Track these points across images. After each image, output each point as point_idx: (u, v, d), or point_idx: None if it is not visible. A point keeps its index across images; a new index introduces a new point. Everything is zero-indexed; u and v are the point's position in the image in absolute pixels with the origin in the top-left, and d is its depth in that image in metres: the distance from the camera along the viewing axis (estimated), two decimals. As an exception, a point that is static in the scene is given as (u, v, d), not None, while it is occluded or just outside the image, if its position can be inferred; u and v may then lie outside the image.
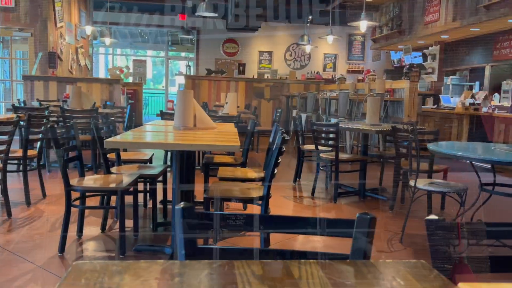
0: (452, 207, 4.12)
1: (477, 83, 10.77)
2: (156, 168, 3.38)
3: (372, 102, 4.79)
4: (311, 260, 0.82)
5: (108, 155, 3.38)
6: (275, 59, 13.69)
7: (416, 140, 3.52)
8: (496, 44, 9.76)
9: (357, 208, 4.17)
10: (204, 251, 0.96)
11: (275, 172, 2.73)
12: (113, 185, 2.77)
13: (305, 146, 5.21)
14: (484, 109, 7.48)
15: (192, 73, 12.94)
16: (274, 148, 2.81)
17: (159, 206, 3.74)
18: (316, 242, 3.17)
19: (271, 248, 1.08)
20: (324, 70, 13.93)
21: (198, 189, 4.36)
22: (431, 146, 3.04)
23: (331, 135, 4.43)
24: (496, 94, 9.69)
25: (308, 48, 12.21)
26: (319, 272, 0.77)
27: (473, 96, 7.96)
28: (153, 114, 15.33)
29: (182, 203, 0.95)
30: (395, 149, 4.01)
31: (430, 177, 3.90)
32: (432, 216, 0.96)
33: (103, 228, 3.23)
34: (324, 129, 4.60)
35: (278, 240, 3.13)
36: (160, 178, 3.51)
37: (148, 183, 3.66)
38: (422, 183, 3.27)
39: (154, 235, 3.20)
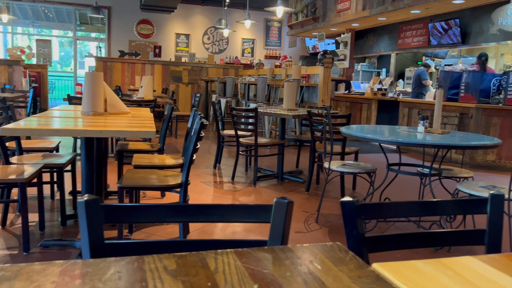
0: (363, 187, 4.38)
1: (384, 69, 11.50)
2: (63, 156, 3.13)
3: (288, 87, 4.88)
4: (228, 250, 0.78)
5: (7, 144, 3.06)
6: (192, 42, 13.41)
7: (330, 124, 3.65)
8: (401, 34, 10.48)
9: (276, 191, 4.25)
10: (113, 247, 0.88)
11: (194, 158, 2.66)
12: (12, 176, 2.51)
13: (224, 131, 5.18)
14: (390, 94, 8.02)
15: (103, 55, 12.21)
16: (192, 134, 2.73)
17: (68, 197, 3.49)
18: (236, 227, 3.17)
19: (187, 239, 1.02)
20: (242, 55, 13.96)
21: (112, 178, 4.14)
22: (343, 129, 3.17)
23: (250, 120, 4.44)
24: (401, 80, 10.45)
25: (226, 32, 12.12)
26: (236, 261, 0.74)
27: (380, 82, 8.50)
28: (61, 98, 14.30)
29: (86, 195, 0.86)
30: (310, 133, 4.14)
31: (342, 159, 4.09)
32: (346, 198, 0.97)
33: (3, 223, 2.93)
34: (243, 114, 4.60)
35: (197, 227, 3.08)
36: (69, 168, 3.26)
37: (55, 173, 3.38)
38: (335, 165, 3.41)
39: (63, 228, 2.98)
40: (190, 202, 3.36)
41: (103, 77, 2.87)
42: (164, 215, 0.93)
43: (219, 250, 0.78)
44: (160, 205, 0.92)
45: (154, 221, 0.93)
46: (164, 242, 0.91)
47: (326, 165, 3.41)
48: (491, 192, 1.05)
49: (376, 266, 0.74)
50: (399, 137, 2.92)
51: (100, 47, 12.28)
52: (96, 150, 2.92)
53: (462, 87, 5.93)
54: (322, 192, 3.60)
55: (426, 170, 3.29)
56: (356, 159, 4.26)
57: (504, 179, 4.89)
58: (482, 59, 7.27)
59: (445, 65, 9.75)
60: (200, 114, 2.89)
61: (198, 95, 6.63)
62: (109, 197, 3.70)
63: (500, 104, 5.62)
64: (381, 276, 0.69)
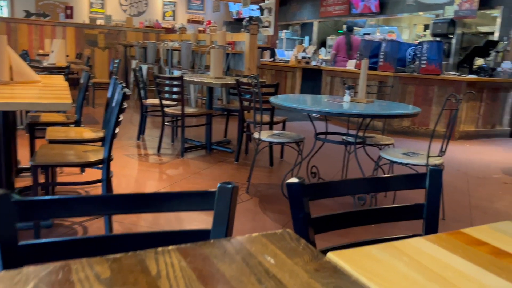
0: (291, 155, 4.44)
1: (307, 37, 11.65)
2: (-38, 132, 2.75)
3: (215, 54, 4.72)
4: (170, 247, 0.69)
5: None
6: (108, 3, 12.47)
7: (259, 93, 3.60)
8: (323, 2, 10.62)
9: (204, 162, 4.16)
10: (30, 250, 0.74)
11: (117, 132, 2.47)
12: None
13: (148, 100, 4.92)
14: (314, 63, 8.16)
15: (6, 15, 10.93)
16: (113, 105, 2.52)
17: (-29, 177, 3.10)
18: (169, 215, 3.06)
19: (119, 234, 0.90)
20: (163, 18, 13.31)
21: (23, 153, 3.77)
22: (273, 99, 3.14)
23: (176, 89, 4.25)
24: (323, 49, 10.68)
25: (145, -6, 11.40)
26: (180, 262, 0.66)
27: (304, 50, 8.59)
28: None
29: (-9, 190, 0.71)
30: (239, 102, 4.07)
31: (271, 128, 4.09)
32: (293, 180, 0.92)
33: None
34: (168, 82, 4.38)
35: (125, 217, 2.92)
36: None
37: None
38: (264, 135, 3.39)
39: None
40: (114, 177, 3.16)
41: (6, 41, 2.52)
42: (90, 209, 0.81)
43: (160, 249, 0.69)
44: (85, 198, 0.80)
45: (79, 215, 0.81)
46: (92, 239, 0.80)
47: (255, 135, 3.38)
48: (430, 167, 1.06)
49: (331, 256, 0.70)
50: (328, 107, 2.95)
51: (1, 6, 10.96)
52: (2, 124, 2.60)
53: (381, 56, 6.18)
54: (252, 162, 3.59)
55: (351, 139, 3.39)
56: (284, 128, 4.28)
57: (418, 143, 5.25)
58: (349, 29, 7.70)
59: (364, 34, 10.10)
60: (121, 83, 2.67)
61: (117, 60, 6.20)
62: (21, 174, 3.37)
63: (415, 73, 5.95)
64: (338, 268, 0.65)
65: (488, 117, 6.18)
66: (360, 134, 3.49)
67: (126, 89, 2.42)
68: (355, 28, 10.69)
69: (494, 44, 6.79)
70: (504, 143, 5.92)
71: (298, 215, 0.92)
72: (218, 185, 0.86)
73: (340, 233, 1.12)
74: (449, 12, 7.52)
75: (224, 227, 0.85)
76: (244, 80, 4.22)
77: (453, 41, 7.49)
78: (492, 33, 7.29)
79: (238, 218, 2.86)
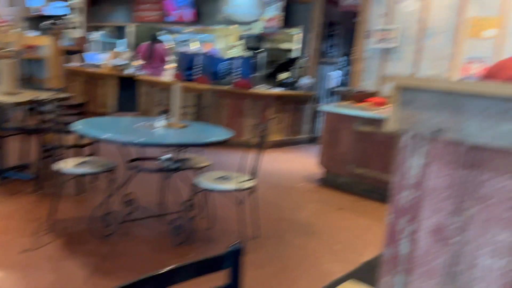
0: (106, 179, 4.08)
1: (121, 41, 11.08)
2: None
3: (7, 64, 4.02)
4: None
5: None
6: None
7: (61, 115, 3.19)
8: (137, 6, 10.24)
9: (-6, 196, 3.49)
10: None
11: None
12: None
13: None
14: (131, 70, 7.80)
15: None
16: None
17: None
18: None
19: None
20: None
21: None
22: (79, 128, 2.79)
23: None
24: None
25: None
26: None
27: (120, 56, 8.15)
28: None
29: None
30: (38, 124, 3.54)
31: (80, 152, 3.69)
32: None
33: None
34: None
35: None
36: None
37: None
38: (69, 165, 3.01)
39: None
40: None
41: None
42: None
43: None
44: None
45: None
46: None
47: (59, 166, 2.96)
48: (229, 248, 1.02)
49: None
50: (139, 136, 2.78)
51: None
52: None
53: (198, 69, 6.26)
54: (56, 193, 3.15)
55: (167, 163, 3.29)
56: (95, 149, 3.91)
57: (233, 154, 5.40)
58: (156, 38, 7.75)
59: (181, 41, 10.13)
60: None
61: None
62: None
63: (229, 87, 6.21)
64: None
65: (292, 126, 6.88)
66: (178, 156, 3.41)
67: None
68: (172, 34, 10.66)
69: (294, 60, 7.59)
70: (306, 149, 6.67)
71: None
72: None
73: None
74: (257, 28, 8.09)
75: None
76: (45, 95, 3.70)
77: (262, 55, 8.09)
78: (291, 50, 8.14)
79: (35, 270, 2.45)
